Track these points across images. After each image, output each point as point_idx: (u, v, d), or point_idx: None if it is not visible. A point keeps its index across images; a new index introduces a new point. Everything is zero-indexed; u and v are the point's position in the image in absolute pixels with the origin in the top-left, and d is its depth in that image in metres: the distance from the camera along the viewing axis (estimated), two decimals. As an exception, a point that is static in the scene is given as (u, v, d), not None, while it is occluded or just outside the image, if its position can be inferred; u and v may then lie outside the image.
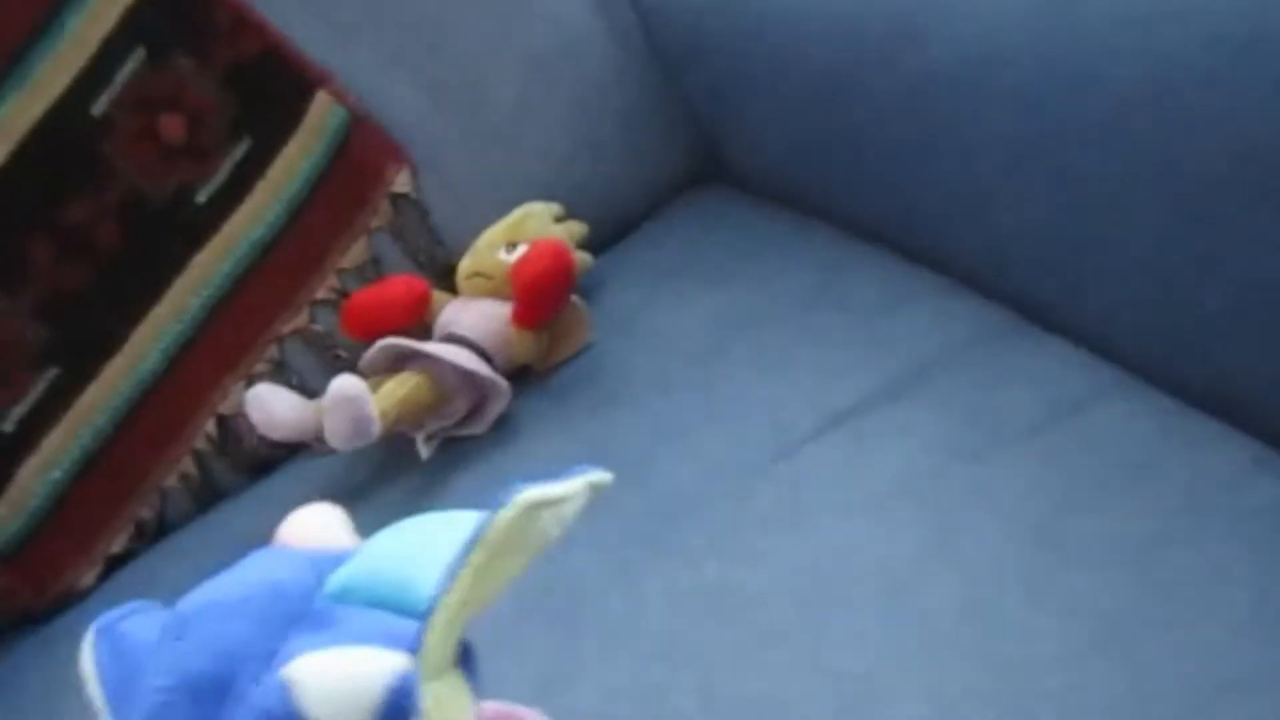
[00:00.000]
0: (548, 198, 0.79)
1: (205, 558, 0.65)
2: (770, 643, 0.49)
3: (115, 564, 0.74)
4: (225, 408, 0.75)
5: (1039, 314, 0.62)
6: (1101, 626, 0.45)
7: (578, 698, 0.49)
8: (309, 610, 0.31)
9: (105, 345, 0.73)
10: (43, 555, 0.72)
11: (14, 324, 0.71)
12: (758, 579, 0.52)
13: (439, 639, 0.30)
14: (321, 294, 0.76)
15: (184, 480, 0.76)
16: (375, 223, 0.78)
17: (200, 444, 0.76)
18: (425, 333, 0.72)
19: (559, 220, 0.77)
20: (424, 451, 0.67)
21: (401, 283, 0.72)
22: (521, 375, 0.71)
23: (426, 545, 0.32)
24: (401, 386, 0.65)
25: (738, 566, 0.53)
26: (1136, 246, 0.55)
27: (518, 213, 0.76)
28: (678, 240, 0.82)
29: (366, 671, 0.28)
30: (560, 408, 0.69)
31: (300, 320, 0.76)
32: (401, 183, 0.79)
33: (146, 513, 0.76)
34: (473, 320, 0.70)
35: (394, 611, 0.30)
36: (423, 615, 0.29)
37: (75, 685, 0.32)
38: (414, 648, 0.29)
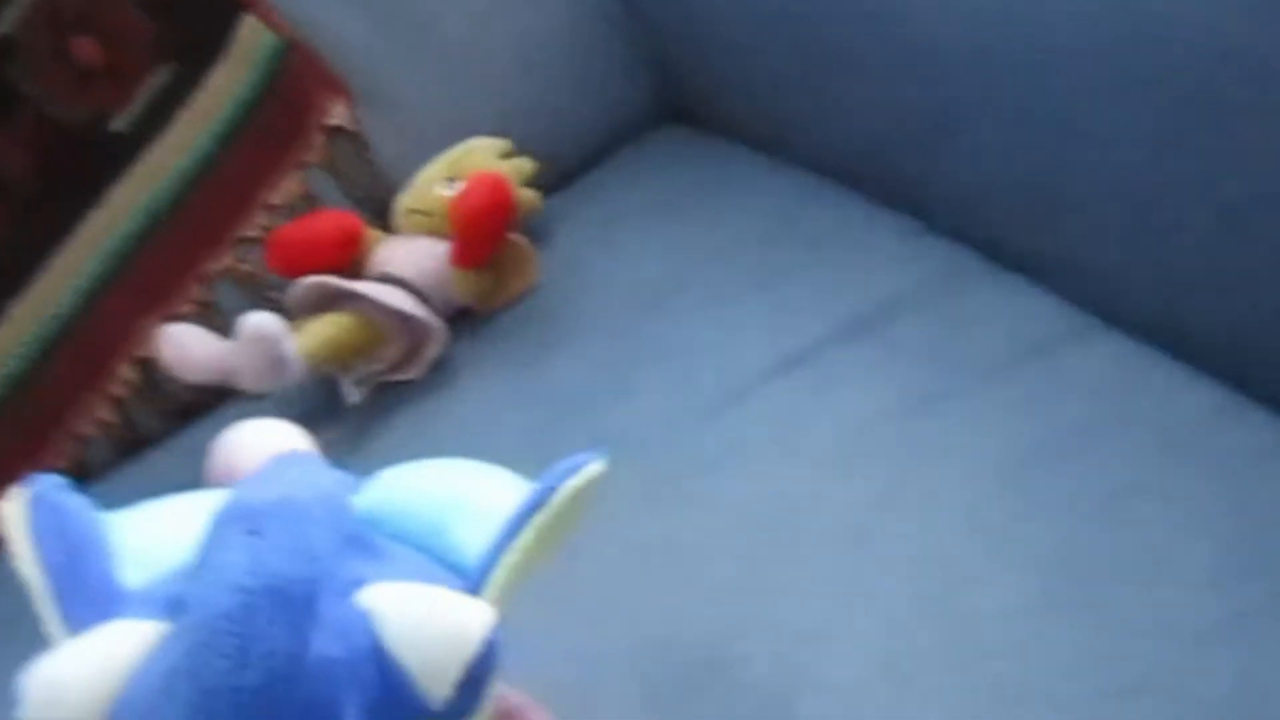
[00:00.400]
0: (497, 135, 0.75)
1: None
2: (714, 597, 0.46)
3: (29, 516, 0.69)
4: (147, 351, 0.71)
5: (1006, 254, 0.58)
6: (1062, 579, 0.42)
7: (509, 662, 0.45)
8: (356, 532, 0.29)
9: (15, 285, 0.68)
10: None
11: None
12: (701, 529, 0.48)
13: (496, 598, 0.28)
14: (251, 231, 0.72)
15: (104, 428, 0.72)
16: (310, 157, 0.73)
17: (120, 389, 0.71)
18: (359, 272, 0.67)
19: (506, 157, 0.73)
20: (352, 396, 0.63)
21: (331, 218, 0.67)
22: (461, 318, 0.67)
23: (460, 497, 0.31)
24: (328, 326, 0.61)
25: (680, 516, 0.49)
26: (1110, 177, 0.51)
27: (461, 148, 0.72)
28: (635, 181, 0.78)
29: (463, 620, 0.26)
30: (500, 352, 0.65)
31: (228, 259, 0.72)
32: (339, 115, 0.74)
33: (64, 463, 0.72)
34: (408, 259, 0.66)
35: (429, 556, 0.29)
36: (478, 571, 0.28)
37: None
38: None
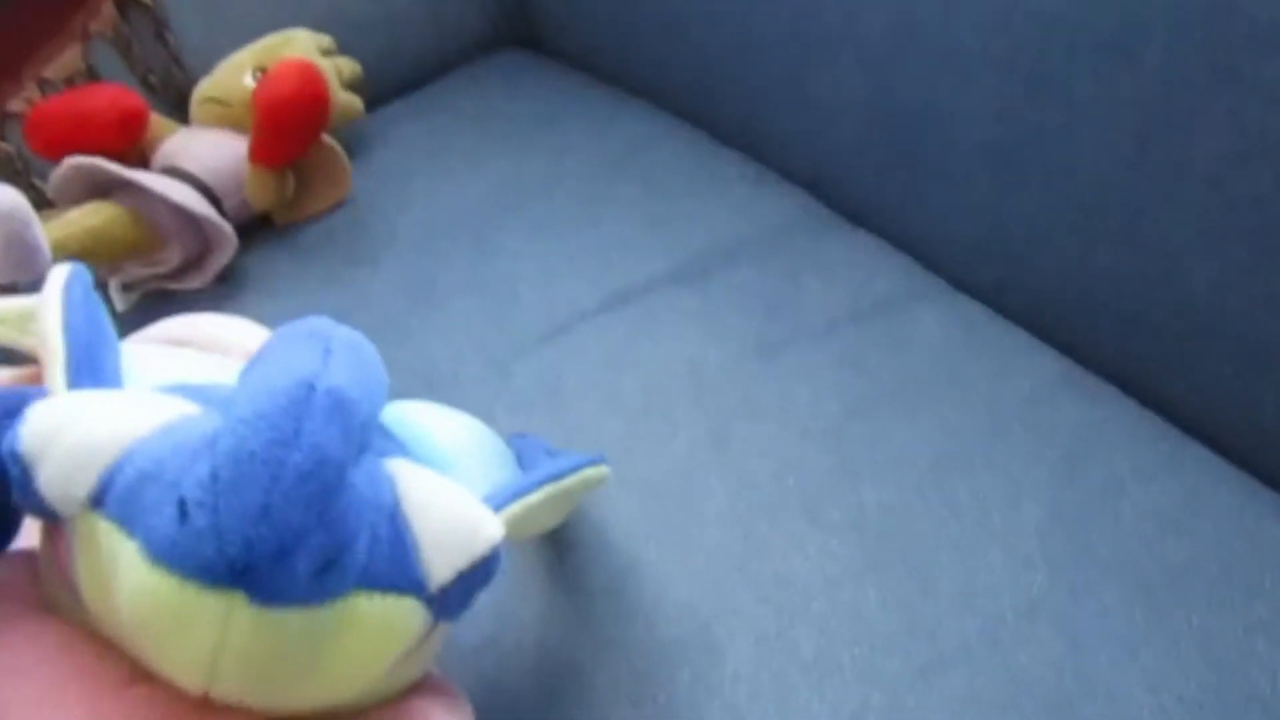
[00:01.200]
0: (321, 31, 0.67)
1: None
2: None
3: None
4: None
5: (856, 208, 0.56)
6: (883, 545, 0.39)
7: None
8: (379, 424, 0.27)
9: None
10: None
11: None
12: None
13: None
14: (15, 105, 0.62)
15: None
16: (94, 27, 0.63)
17: None
18: (142, 165, 0.59)
19: (326, 53, 0.65)
20: (119, 302, 0.55)
21: (106, 93, 0.58)
22: (258, 227, 0.60)
23: (461, 441, 0.32)
24: (90, 216, 0.53)
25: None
26: (970, 135, 0.48)
27: (276, 37, 0.64)
28: (471, 100, 0.72)
29: (481, 520, 0.26)
30: (300, 266, 0.58)
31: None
32: (135, -15, 0.65)
33: None
34: (201, 152, 0.58)
35: None
36: (491, 501, 0.28)
37: None
38: None
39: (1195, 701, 0.34)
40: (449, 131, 0.68)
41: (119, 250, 0.54)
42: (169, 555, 0.22)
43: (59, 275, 0.30)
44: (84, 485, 0.24)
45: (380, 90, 0.69)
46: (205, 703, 0.24)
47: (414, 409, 0.34)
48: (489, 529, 0.26)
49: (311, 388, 0.23)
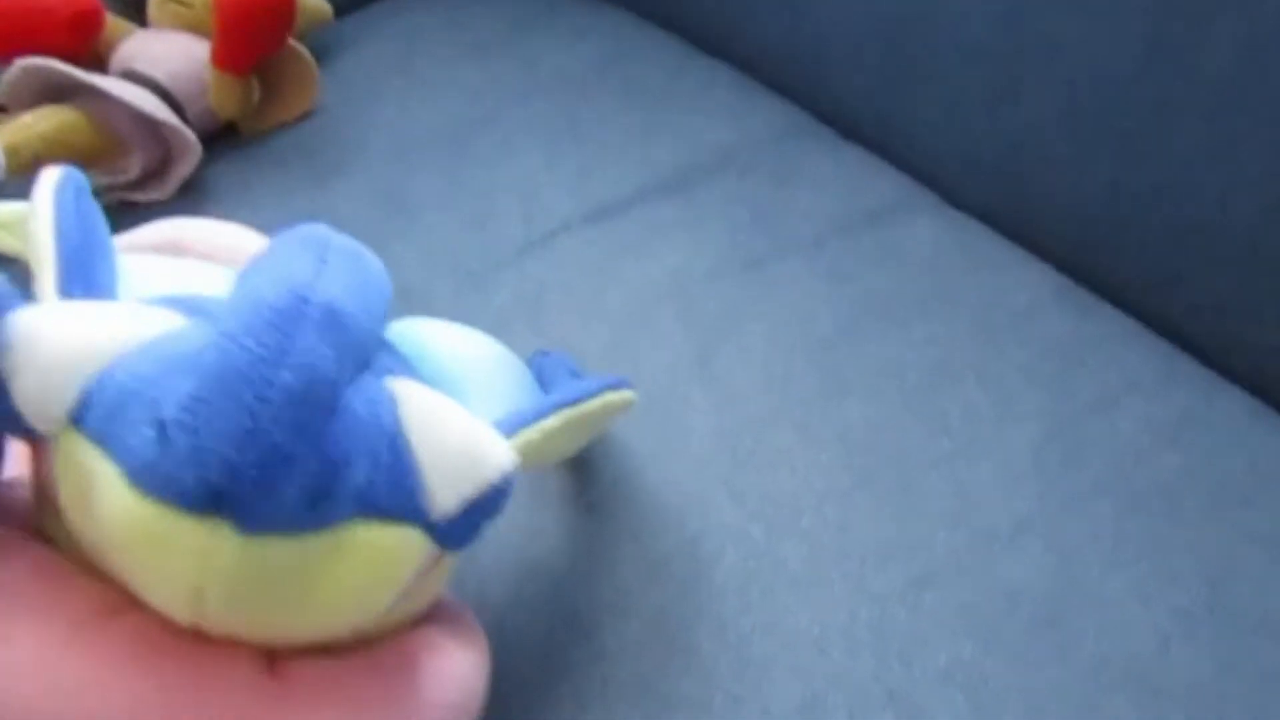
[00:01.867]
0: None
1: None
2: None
3: None
4: None
5: (847, 119, 0.54)
6: (872, 461, 0.38)
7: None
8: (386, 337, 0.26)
9: None
10: None
11: None
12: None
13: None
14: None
15: None
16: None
17: None
18: (99, 69, 0.56)
19: (294, -46, 0.62)
20: (79, 213, 0.52)
21: (60, -11, 0.55)
22: (223, 137, 0.57)
23: (478, 364, 0.31)
24: (44, 120, 0.50)
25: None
26: (965, 33, 0.47)
27: (238, -65, 0.60)
28: (443, 7, 0.69)
29: (490, 447, 0.24)
30: (267, 177, 0.55)
31: (-72, 36, 0.58)
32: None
33: None
34: (161, 56, 0.55)
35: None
36: (504, 426, 0.26)
37: None
38: None
39: (1187, 613, 0.34)
40: (420, 39, 0.65)
41: (76, 158, 0.51)
42: (148, 480, 0.21)
43: (50, 178, 0.28)
44: (63, 401, 0.22)
45: (351, -5, 0.67)
46: (198, 631, 0.23)
47: (423, 326, 0.32)
48: (499, 456, 0.24)
49: (304, 300, 0.22)
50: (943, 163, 0.49)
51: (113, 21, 0.57)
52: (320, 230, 0.25)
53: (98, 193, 0.55)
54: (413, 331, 0.31)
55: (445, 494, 0.23)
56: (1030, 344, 0.42)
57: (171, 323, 0.23)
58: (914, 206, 0.48)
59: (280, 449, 0.21)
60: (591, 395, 0.31)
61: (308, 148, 0.57)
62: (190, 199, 0.54)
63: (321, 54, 0.61)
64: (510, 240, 0.49)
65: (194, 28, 0.56)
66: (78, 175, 0.29)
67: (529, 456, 0.27)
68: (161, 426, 0.21)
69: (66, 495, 0.23)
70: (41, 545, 0.24)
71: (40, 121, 0.50)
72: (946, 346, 0.42)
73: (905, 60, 0.49)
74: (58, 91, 0.53)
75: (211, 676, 0.23)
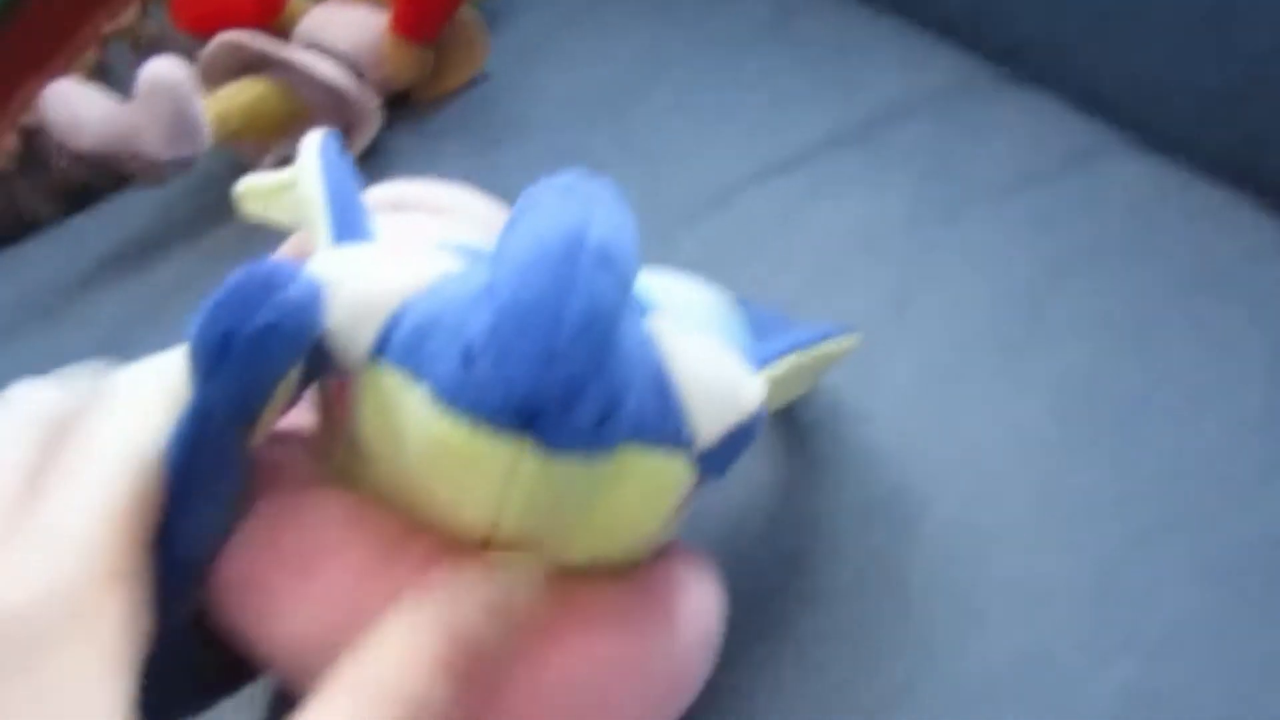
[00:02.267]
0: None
1: (8, 292, 0.51)
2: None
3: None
4: (29, 119, 0.61)
5: (1026, 66, 0.52)
6: (1087, 411, 0.37)
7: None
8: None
9: None
10: None
11: None
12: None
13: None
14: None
15: (-23, 206, 0.63)
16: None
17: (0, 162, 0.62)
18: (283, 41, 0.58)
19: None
20: (272, 180, 0.55)
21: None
22: (396, 106, 0.59)
23: (706, 309, 0.30)
24: (244, 92, 0.52)
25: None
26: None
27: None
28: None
29: (746, 380, 0.25)
30: (442, 143, 0.57)
31: (128, 16, 0.62)
32: None
33: (-69, 243, 0.63)
34: (342, 28, 0.57)
35: None
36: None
37: None
38: None
39: None
40: (582, 1, 0.65)
41: (271, 127, 0.53)
42: (459, 400, 0.22)
43: (314, 140, 0.30)
44: (366, 337, 0.23)
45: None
46: (483, 554, 0.24)
47: (648, 276, 0.32)
48: (753, 389, 0.25)
49: (582, 238, 0.22)
50: (1143, 104, 0.47)
51: (294, -3, 0.59)
52: (578, 178, 0.26)
53: (287, 161, 0.58)
54: (646, 283, 0.31)
55: (708, 424, 0.24)
56: (1253, 289, 0.39)
57: (451, 264, 0.25)
58: (1111, 151, 0.46)
59: (576, 371, 0.21)
60: (819, 341, 0.31)
61: (479, 112, 0.58)
62: (369, 166, 0.56)
63: (487, 17, 0.62)
64: (689, 197, 0.49)
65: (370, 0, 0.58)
66: (336, 137, 0.31)
67: (766, 396, 0.27)
68: (467, 352, 0.22)
69: (372, 427, 0.24)
70: (331, 487, 0.25)
71: (240, 93, 0.52)
72: (1161, 294, 0.40)
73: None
74: (248, 65, 0.55)
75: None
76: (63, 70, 0.61)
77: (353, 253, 0.26)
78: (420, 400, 0.22)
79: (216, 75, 0.55)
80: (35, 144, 0.62)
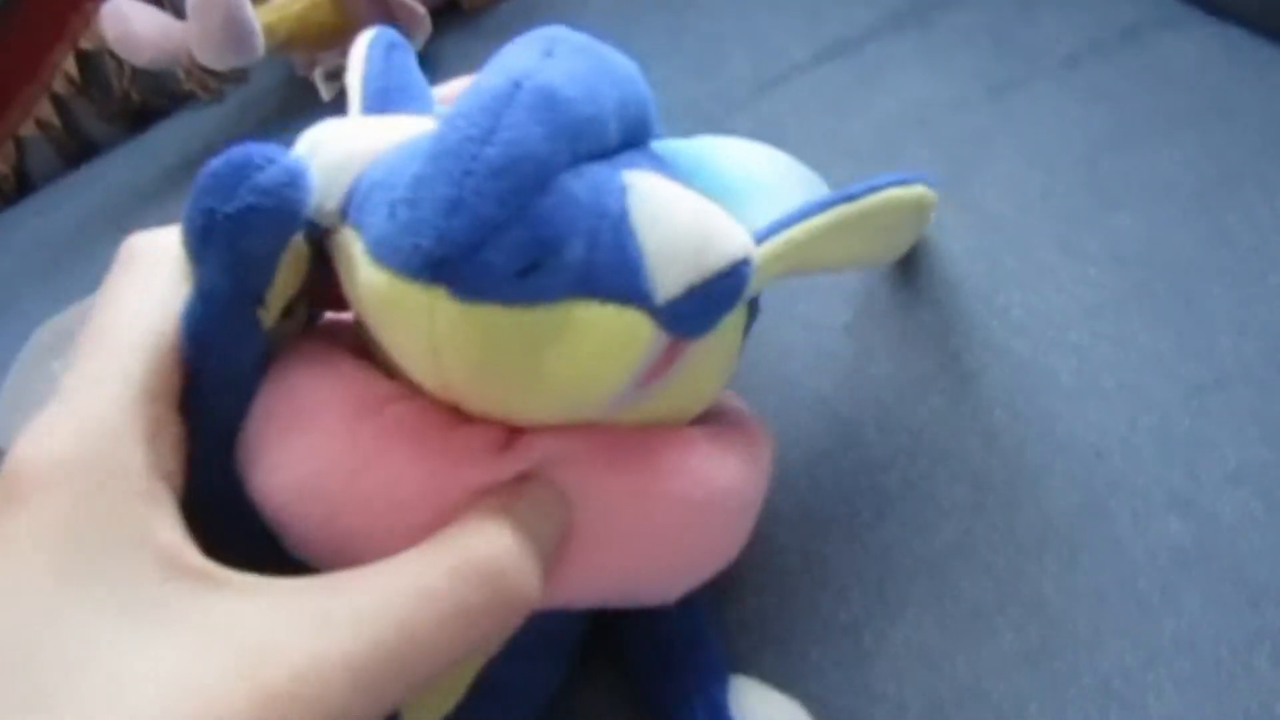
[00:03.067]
0: None
1: (75, 211, 0.53)
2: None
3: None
4: (87, 41, 0.62)
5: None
6: (1146, 274, 0.37)
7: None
8: (643, 141, 0.27)
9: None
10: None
11: None
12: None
13: (765, 254, 0.26)
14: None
15: (44, 129, 0.64)
16: None
17: (59, 85, 0.63)
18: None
19: None
20: (325, 92, 0.56)
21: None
22: (446, 13, 0.59)
23: (764, 176, 0.30)
24: (296, 2, 0.53)
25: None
26: None
27: None
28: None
29: (722, 233, 0.24)
30: (492, 47, 0.56)
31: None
32: None
33: (3, 166, 0.65)
34: (389, -66, 0.57)
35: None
36: (759, 233, 0.26)
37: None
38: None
39: None
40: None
41: (321, 36, 0.54)
42: (381, 251, 0.23)
43: (364, 36, 0.31)
44: (335, 198, 0.24)
45: None
46: (454, 419, 0.25)
47: (716, 141, 0.32)
48: (727, 244, 0.24)
49: (518, 85, 0.22)
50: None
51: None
52: (556, 29, 0.25)
53: (338, 72, 0.58)
54: (700, 146, 0.31)
55: (668, 278, 0.23)
56: (1320, 153, 0.39)
57: (425, 126, 0.25)
58: (1172, 21, 0.45)
59: (485, 218, 0.21)
60: (870, 192, 0.29)
61: (528, 14, 0.58)
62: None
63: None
64: (743, 83, 0.49)
65: (418, -96, 0.58)
66: (390, 33, 0.31)
67: (789, 256, 0.26)
68: (392, 204, 0.22)
69: (347, 287, 0.25)
70: (345, 353, 0.26)
71: (291, 3, 0.53)
72: (1221, 158, 0.39)
73: None
74: (298, -25, 0.56)
75: (460, 450, 0.24)
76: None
77: (335, 125, 0.26)
78: (360, 254, 0.23)
79: (267, -14, 0.55)
80: (94, 66, 0.63)
